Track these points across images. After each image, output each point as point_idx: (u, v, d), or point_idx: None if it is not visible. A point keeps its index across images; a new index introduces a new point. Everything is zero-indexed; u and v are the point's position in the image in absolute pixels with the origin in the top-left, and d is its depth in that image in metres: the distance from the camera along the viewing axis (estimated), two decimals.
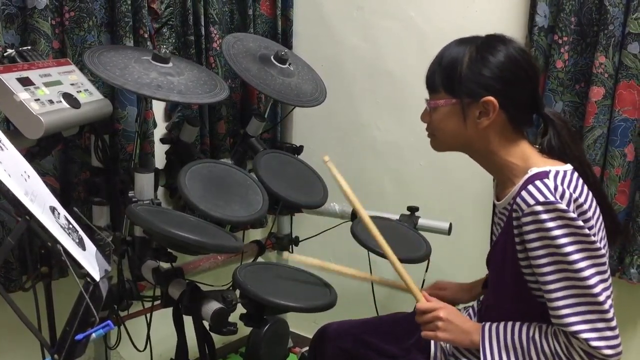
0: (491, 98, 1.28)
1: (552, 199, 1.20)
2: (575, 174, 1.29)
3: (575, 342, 1.22)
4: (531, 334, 1.29)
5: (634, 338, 1.95)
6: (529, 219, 1.21)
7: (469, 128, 1.32)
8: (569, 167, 1.30)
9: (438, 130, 1.38)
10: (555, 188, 1.21)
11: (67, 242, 1.11)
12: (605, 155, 1.81)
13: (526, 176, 1.28)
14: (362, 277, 1.60)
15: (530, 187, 1.22)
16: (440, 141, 1.40)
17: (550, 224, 1.19)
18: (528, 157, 1.32)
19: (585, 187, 1.28)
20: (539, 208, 1.20)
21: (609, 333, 1.21)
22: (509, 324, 1.33)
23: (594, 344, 1.20)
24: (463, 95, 1.30)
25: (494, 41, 1.32)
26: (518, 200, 1.23)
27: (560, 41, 1.83)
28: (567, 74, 1.86)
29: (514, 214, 1.25)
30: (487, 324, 1.35)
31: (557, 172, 1.26)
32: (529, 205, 1.21)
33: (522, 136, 1.35)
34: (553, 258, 1.21)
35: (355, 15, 2.33)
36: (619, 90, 1.76)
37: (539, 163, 1.30)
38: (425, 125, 1.43)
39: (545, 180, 1.23)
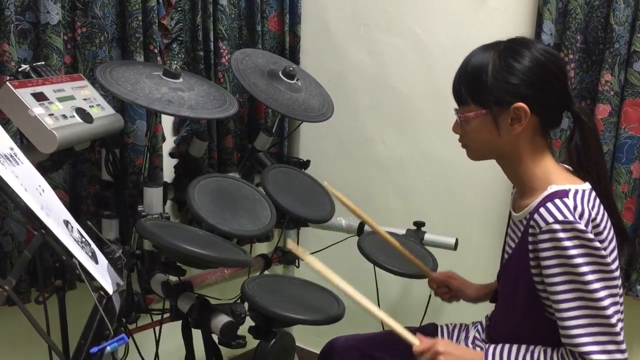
0: (521, 104, 1.26)
1: (571, 218, 1.19)
2: (593, 194, 1.29)
3: None
4: (535, 357, 1.29)
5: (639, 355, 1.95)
6: (546, 236, 1.21)
7: (502, 136, 1.30)
8: (587, 186, 1.30)
9: (472, 142, 1.36)
10: (575, 207, 1.21)
11: (81, 256, 1.12)
12: (612, 172, 1.82)
13: (546, 192, 1.27)
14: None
15: (550, 205, 1.22)
16: (475, 152, 1.38)
17: (568, 243, 1.19)
18: (550, 171, 1.31)
19: (602, 208, 1.28)
20: (557, 227, 1.20)
21: (618, 356, 1.21)
22: (513, 347, 1.32)
23: None
24: (492, 105, 1.28)
25: (517, 45, 1.30)
26: (536, 216, 1.23)
27: (566, 59, 1.85)
28: (573, 92, 1.88)
29: (531, 230, 1.25)
30: (491, 349, 1.34)
31: (576, 191, 1.26)
32: (547, 222, 1.21)
33: (547, 142, 1.34)
34: (568, 277, 1.21)
35: (361, 31, 2.36)
36: (624, 108, 1.78)
37: (560, 180, 1.29)
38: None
39: (565, 200, 1.22)
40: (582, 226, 1.19)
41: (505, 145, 1.32)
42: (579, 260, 1.19)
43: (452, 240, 1.95)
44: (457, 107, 1.36)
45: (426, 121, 2.27)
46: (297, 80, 2.03)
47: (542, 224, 1.22)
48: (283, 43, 2.39)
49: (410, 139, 2.32)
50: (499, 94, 1.27)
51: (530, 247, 1.27)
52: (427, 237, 1.96)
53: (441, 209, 2.27)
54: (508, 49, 1.29)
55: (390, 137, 2.37)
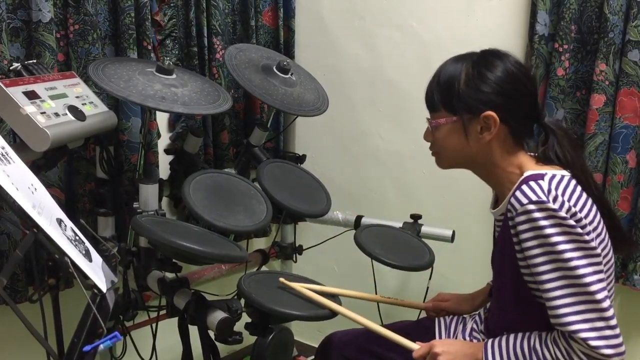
0: (491, 113, 1.29)
1: (544, 198, 1.21)
2: (573, 181, 1.29)
3: (575, 345, 1.22)
4: (532, 343, 1.29)
5: (638, 344, 1.95)
6: (522, 218, 1.23)
7: (471, 144, 1.33)
8: (566, 172, 1.31)
9: (441, 149, 1.39)
10: (549, 190, 1.23)
11: (74, 254, 1.12)
12: (607, 162, 1.82)
13: (521, 179, 1.29)
14: (369, 298, 1.68)
15: (524, 187, 1.24)
16: (444, 159, 1.41)
17: (543, 222, 1.21)
18: (525, 165, 1.33)
19: (584, 194, 1.29)
20: (531, 207, 1.21)
21: (608, 332, 1.20)
22: (511, 336, 1.33)
23: (593, 343, 1.19)
24: (463, 112, 1.31)
25: (490, 56, 1.33)
26: (512, 200, 1.25)
27: (560, 49, 1.84)
28: (568, 82, 1.88)
29: (509, 214, 1.27)
30: (490, 341, 1.35)
31: (553, 175, 1.27)
32: (522, 204, 1.22)
33: (522, 147, 1.36)
34: (549, 257, 1.22)
35: (356, 25, 2.35)
36: (619, 98, 1.77)
37: (535, 168, 1.31)
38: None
39: (540, 181, 1.24)
40: (554, 206, 1.20)
41: (474, 153, 1.34)
42: (557, 238, 1.20)
43: (449, 232, 1.94)
44: (429, 115, 1.40)
45: (423, 114, 2.25)
46: (291, 75, 2.02)
47: (517, 206, 1.23)
48: (277, 37, 2.38)
49: (406, 132, 2.31)
50: (469, 101, 1.31)
51: (512, 231, 1.28)
52: (424, 229, 1.96)
53: (438, 201, 2.26)
54: (481, 59, 1.33)
55: (387, 131, 2.37)
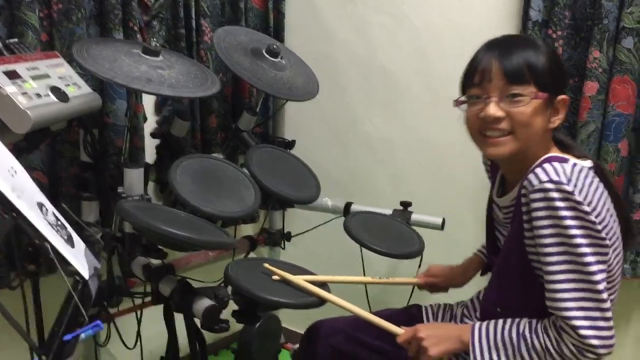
0: (566, 97, 1.29)
1: (564, 180, 1.18)
2: (592, 172, 1.27)
3: (565, 336, 1.21)
4: (521, 330, 1.27)
5: (627, 333, 1.95)
6: (538, 195, 1.19)
7: (546, 126, 1.29)
8: (588, 163, 1.28)
9: (525, 127, 1.26)
10: (570, 175, 1.20)
11: (55, 240, 1.09)
12: (599, 150, 1.81)
13: (540, 159, 1.26)
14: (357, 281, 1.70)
15: (545, 165, 1.20)
16: (520, 140, 1.27)
17: (559, 204, 1.17)
18: (549, 152, 1.32)
19: (601, 187, 1.26)
20: (550, 185, 1.17)
21: (601, 323, 1.19)
22: (500, 321, 1.31)
23: (583, 332, 1.18)
24: (551, 90, 1.27)
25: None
26: (530, 176, 1.21)
27: (554, 35, 1.82)
28: None
29: (523, 191, 1.23)
30: (477, 324, 1.33)
31: (574, 164, 1.24)
32: (540, 181, 1.18)
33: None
34: (558, 239, 1.19)
35: (348, 9, 2.31)
36: (613, 85, 1.75)
37: (560, 153, 1.30)
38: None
39: (564, 164, 1.21)
40: (572, 189, 1.17)
41: (540, 137, 1.29)
42: (570, 222, 1.18)
43: (439, 220, 1.93)
44: (506, 84, 1.25)
45: (415, 101, 2.24)
46: (281, 59, 1.99)
47: (535, 182, 1.19)
48: (267, 20, 2.35)
49: (398, 119, 2.29)
50: (557, 80, 1.28)
51: (523, 209, 1.24)
52: (414, 217, 1.94)
53: (428, 189, 2.25)
54: (544, 42, 1.33)
55: (378, 118, 2.34)
